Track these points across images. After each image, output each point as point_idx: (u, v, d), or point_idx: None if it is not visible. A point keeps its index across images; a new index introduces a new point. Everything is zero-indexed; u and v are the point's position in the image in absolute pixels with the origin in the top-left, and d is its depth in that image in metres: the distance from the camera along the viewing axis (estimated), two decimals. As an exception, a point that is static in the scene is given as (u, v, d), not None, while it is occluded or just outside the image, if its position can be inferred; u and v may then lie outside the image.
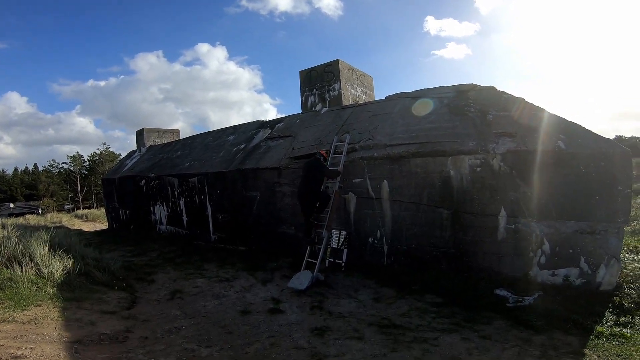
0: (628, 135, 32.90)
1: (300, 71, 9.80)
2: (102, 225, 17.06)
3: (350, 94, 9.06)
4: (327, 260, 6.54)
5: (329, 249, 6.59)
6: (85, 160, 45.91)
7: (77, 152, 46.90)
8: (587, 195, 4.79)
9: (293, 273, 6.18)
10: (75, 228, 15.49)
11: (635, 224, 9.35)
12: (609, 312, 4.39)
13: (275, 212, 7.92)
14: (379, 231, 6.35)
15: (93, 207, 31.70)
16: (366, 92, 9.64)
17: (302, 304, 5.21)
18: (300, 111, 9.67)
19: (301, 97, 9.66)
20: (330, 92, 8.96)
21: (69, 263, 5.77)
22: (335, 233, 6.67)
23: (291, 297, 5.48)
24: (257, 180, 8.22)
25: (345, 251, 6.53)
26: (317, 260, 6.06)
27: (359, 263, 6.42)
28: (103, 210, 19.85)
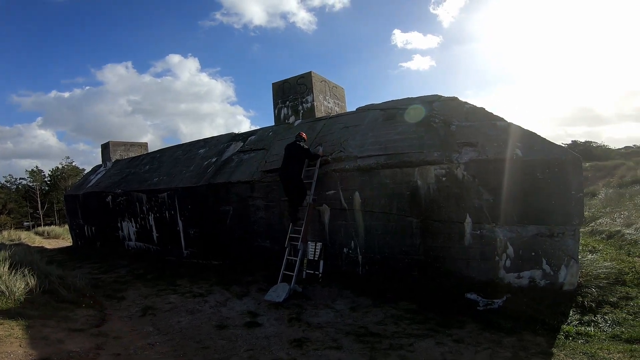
0: (582, 140, 34.97)
1: (272, 83, 9.79)
2: (66, 242, 16.36)
3: (323, 105, 9.17)
4: (304, 272, 6.59)
5: (305, 261, 6.65)
6: (46, 175, 43.71)
7: (37, 167, 44.66)
8: (544, 200, 5.08)
9: (269, 286, 6.19)
10: (36, 245, 14.79)
11: (593, 224, 9.94)
12: (573, 311, 4.64)
13: (249, 226, 7.90)
14: (353, 241, 6.47)
15: (55, 224, 30.08)
16: (338, 104, 9.80)
17: (280, 316, 5.23)
18: (274, 123, 9.71)
19: (274, 110, 9.68)
20: (304, 104, 9.05)
21: (31, 281, 5.57)
22: (311, 245, 6.74)
23: (268, 310, 5.48)
24: (229, 194, 8.18)
25: (321, 262, 6.60)
26: (293, 273, 6.10)
27: (335, 273, 6.51)
28: (66, 227, 19.04)
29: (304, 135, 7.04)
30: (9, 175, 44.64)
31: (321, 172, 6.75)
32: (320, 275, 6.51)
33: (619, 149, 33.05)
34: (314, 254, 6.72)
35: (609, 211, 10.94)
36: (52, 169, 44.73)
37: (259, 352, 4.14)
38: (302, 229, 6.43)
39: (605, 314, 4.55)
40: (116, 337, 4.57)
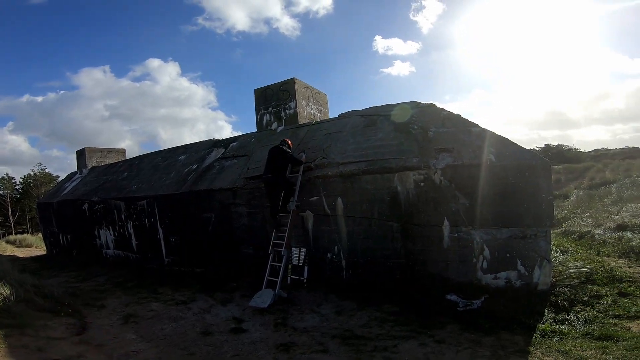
0: (555, 143, 36.36)
1: (255, 89, 9.72)
2: (39, 250, 15.87)
3: (306, 112, 9.19)
4: (288, 278, 6.65)
5: (289, 267, 6.71)
6: (18, 182, 42.02)
7: (7, 174, 42.87)
8: (516, 203, 5.30)
9: (253, 292, 6.20)
10: (7, 254, 14.28)
11: (566, 225, 10.33)
12: (548, 310, 4.83)
13: (232, 233, 7.89)
14: (336, 246, 6.57)
15: (27, 233, 28.89)
16: (321, 110, 9.85)
17: (266, 321, 5.26)
18: (256, 129, 9.72)
19: (256, 116, 9.63)
20: (286, 110, 9.05)
21: (5, 290, 5.40)
22: (295, 250, 6.80)
23: (254, 316, 5.51)
24: (211, 201, 8.15)
25: (306, 267, 6.67)
26: (277, 279, 6.15)
27: (319, 278, 6.59)
28: (39, 235, 18.44)
29: (289, 141, 7.11)
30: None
31: (304, 178, 6.82)
32: (305, 280, 6.58)
33: (589, 151, 34.59)
34: (298, 260, 6.78)
35: (580, 212, 11.34)
36: (24, 176, 43.05)
37: (246, 357, 4.19)
38: (286, 235, 6.48)
39: (578, 312, 4.75)
40: (99, 345, 4.55)
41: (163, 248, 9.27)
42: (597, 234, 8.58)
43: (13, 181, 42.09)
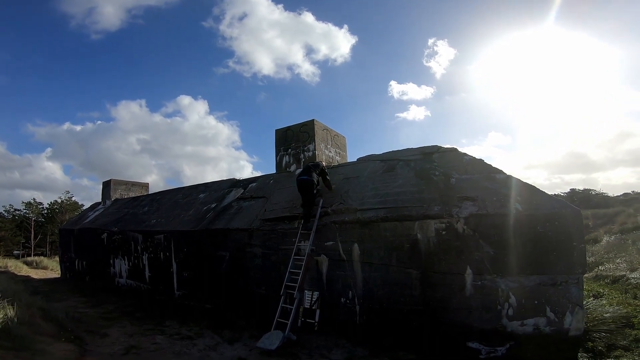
0: (581, 188, 35.06)
1: (276, 130, 9.75)
2: (54, 273, 16.16)
3: (324, 154, 9.12)
4: (299, 320, 6.40)
5: (301, 309, 6.48)
6: (44, 207, 43.81)
7: (34, 199, 44.98)
8: (545, 252, 5.04)
9: (262, 333, 6.00)
10: (22, 274, 14.64)
11: (597, 270, 9.95)
12: (582, 356, 4.60)
13: (245, 272, 7.78)
14: (350, 291, 6.32)
15: (45, 256, 29.41)
16: (339, 153, 9.80)
17: (272, 364, 4.98)
18: (275, 170, 9.79)
19: (276, 157, 9.63)
20: (305, 152, 9.04)
21: (10, 311, 5.37)
22: (307, 293, 6.59)
23: (260, 357, 5.28)
24: (226, 240, 8.15)
25: (317, 311, 6.43)
26: (288, 320, 5.91)
27: (332, 322, 6.34)
28: (56, 258, 18.80)
29: (323, 162, 7.76)
30: (10, 205, 44.71)
31: (321, 223, 6.74)
32: (316, 324, 6.31)
33: (618, 195, 33.28)
34: (311, 303, 6.54)
35: (612, 257, 11.13)
36: (51, 202, 44.96)
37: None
38: (299, 277, 6.33)
39: (617, 357, 4.52)
40: (95, 374, 4.36)
41: (175, 281, 9.19)
42: (632, 278, 8.47)
43: (40, 206, 43.84)
